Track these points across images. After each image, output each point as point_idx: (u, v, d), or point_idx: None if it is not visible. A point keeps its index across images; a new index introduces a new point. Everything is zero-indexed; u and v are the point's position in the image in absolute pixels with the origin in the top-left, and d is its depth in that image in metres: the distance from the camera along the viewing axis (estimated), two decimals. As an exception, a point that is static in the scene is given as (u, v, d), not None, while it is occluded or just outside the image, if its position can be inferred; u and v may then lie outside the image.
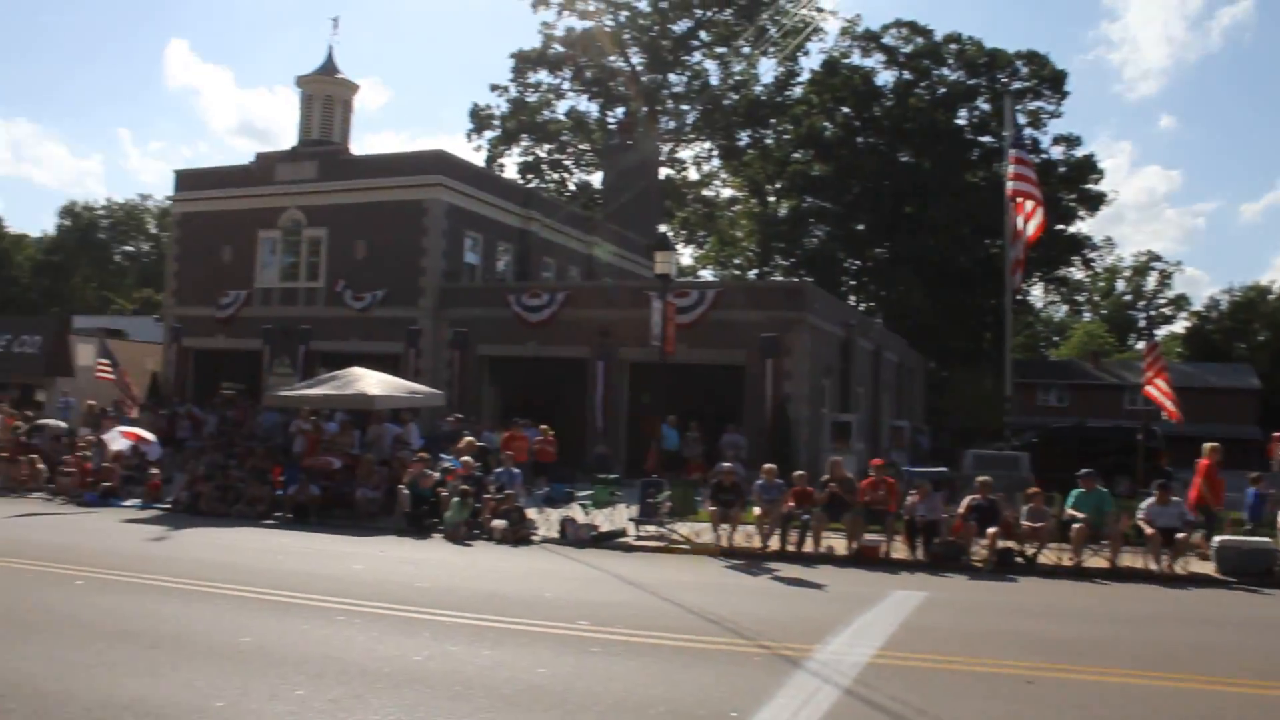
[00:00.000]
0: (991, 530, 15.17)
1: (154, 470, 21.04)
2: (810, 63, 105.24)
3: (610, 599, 11.69)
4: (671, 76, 61.61)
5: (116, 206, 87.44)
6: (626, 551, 16.19)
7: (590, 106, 63.62)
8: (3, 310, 62.69)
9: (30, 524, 17.39)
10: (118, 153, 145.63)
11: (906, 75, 60.11)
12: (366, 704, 7.08)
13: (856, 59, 61.09)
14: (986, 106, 58.60)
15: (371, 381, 21.19)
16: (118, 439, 21.26)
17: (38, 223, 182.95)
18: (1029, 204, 22.89)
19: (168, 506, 19.71)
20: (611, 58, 60.24)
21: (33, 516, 18.39)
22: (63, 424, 25.70)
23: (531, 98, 62.82)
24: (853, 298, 60.02)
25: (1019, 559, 15.26)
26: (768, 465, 17.30)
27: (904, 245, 56.39)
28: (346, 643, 8.95)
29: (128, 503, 20.17)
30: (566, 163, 65.41)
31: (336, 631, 9.42)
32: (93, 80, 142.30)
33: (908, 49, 60.07)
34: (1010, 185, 23.30)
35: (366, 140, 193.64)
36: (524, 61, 61.89)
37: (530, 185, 56.06)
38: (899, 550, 15.79)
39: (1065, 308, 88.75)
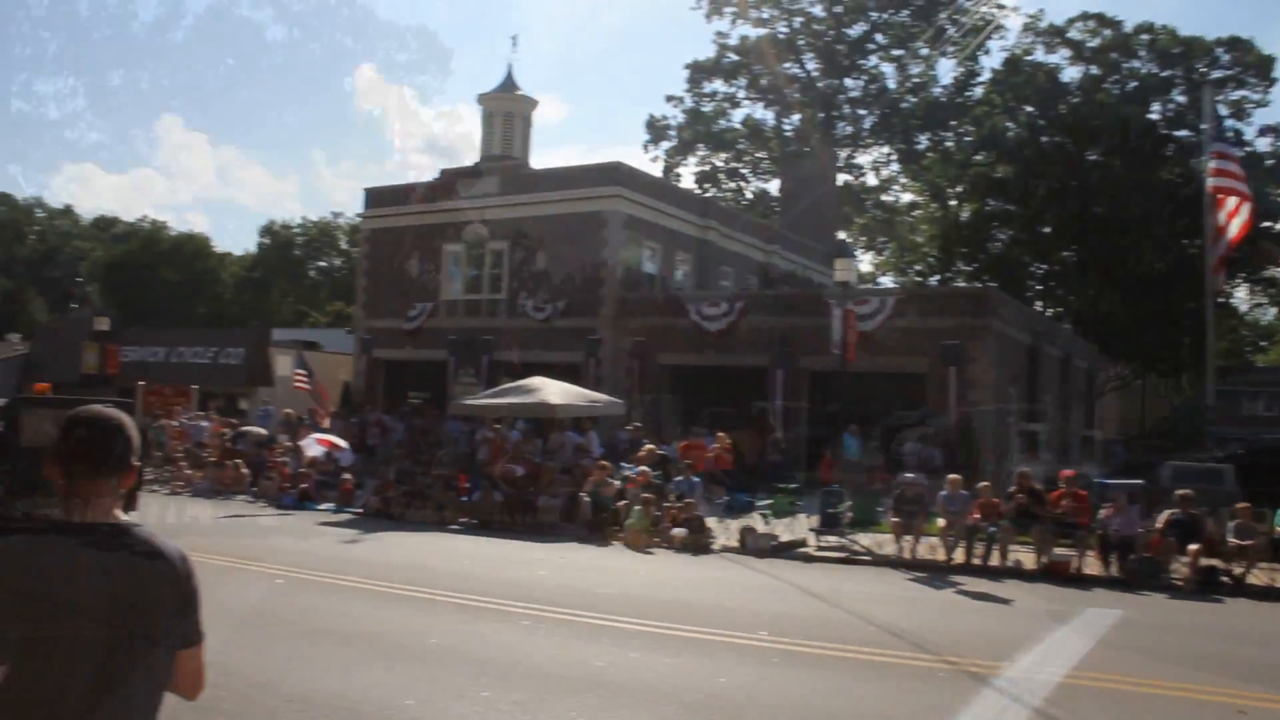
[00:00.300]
0: (1193, 547, 14.33)
1: (346, 476, 21.94)
2: (991, 61, 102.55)
3: (790, 609, 11.58)
4: (848, 81, 60.86)
5: (311, 224, 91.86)
6: (806, 562, 16.01)
7: (766, 114, 63.45)
8: (209, 324, 66.64)
9: (236, 525, 18.43)
10: (312, 174, 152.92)
11: (1094, 70, 57.74)
12: (549, 707, 7.20)
13: (1040, 55, 59.06)
14: (1183, 99, 55.74)
15: (553, 390, 21.61)
16: (313, 446, 22.26)
17: (240, 242, 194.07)
18: (1232, 200, 21.68)
19: (359, 511, 20.52)
20: (786, 64, 59.94)
21: (238, 518, 19.47)
22: (263, 431, 27.07)
23: (707, 107, 63.04)
24: (1039, 303, 57.96)
25: (1225, 579, 14.37)
26: (952, 476, 16.85)
27: (1093, 248, 54.12)
28: (530, 646, 9.13)
29: (322, 506, 21.11)
30: (743, 171, 65.35)
31: (521, 635, 9.62)
32: (289, 106, 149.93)
33: (1095, 43, 57.69)
34: (1211, 182, 22.14)
35: (546, 154, 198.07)
36: (699, 71, 62.15)
37: (707, 195, 56.22)
38: (1091, 566, 15.12)
39: (1274, 310, 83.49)
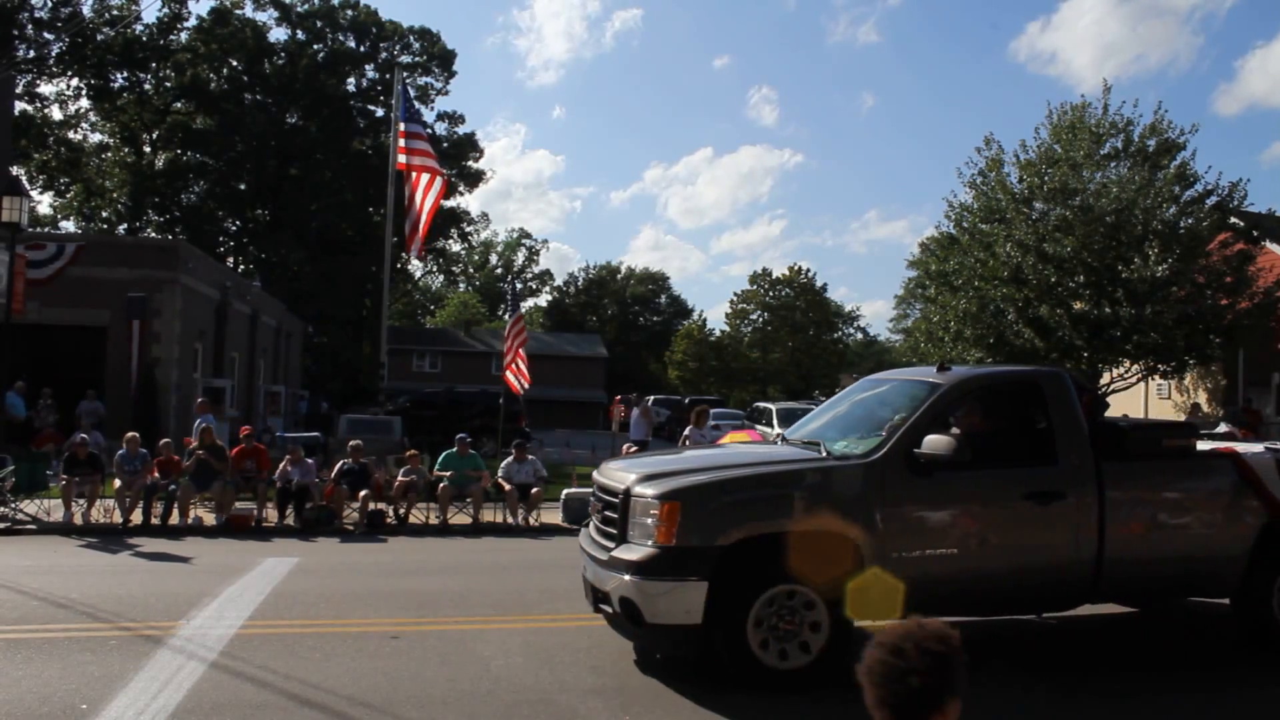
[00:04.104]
0: (363, 493, 15.61)
1: None
2: (199, 8, 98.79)
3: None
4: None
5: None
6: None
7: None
8: None
9: None
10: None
11: (300, 35, 59.00)
12: None
13: (250, 11, 58.79)
14: (375, 75, 59.42)
15: None
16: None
17: None
18: (425, 177, 23.57)
19: None
20: None
21: None
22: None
23: None
24: (231, 259, 58.00)
25: (389, 519, 15.89)
26: (130, 434, 16.27)
27: (287, 208, 55.51)
28: None
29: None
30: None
31: None
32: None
33: (303, 8, 58.99)
34: (402, 159, 23.79)
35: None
36: None
37: None
38: (272, 517, 15.71)
39: (443, 277, 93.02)
